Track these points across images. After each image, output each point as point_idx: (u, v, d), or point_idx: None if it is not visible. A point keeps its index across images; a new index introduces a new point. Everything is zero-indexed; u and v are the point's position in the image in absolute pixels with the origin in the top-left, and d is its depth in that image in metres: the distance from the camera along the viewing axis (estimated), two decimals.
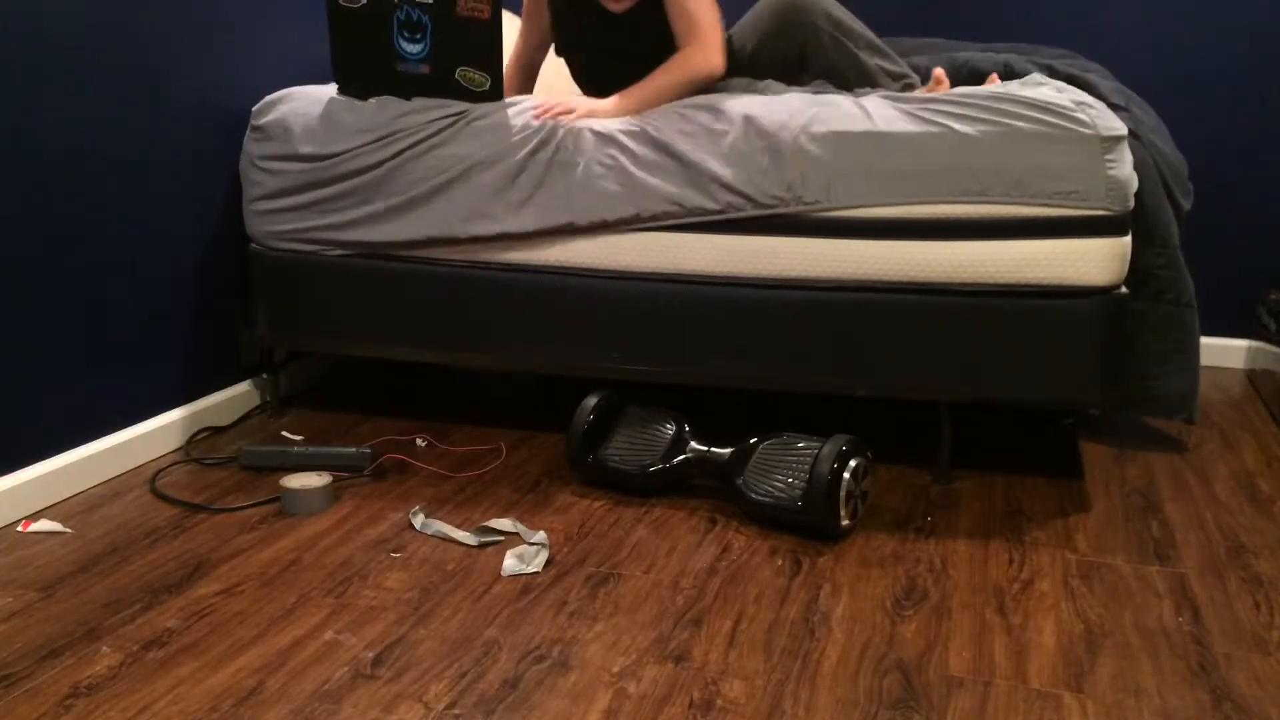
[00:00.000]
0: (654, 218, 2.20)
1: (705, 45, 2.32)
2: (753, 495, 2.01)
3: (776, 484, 1.99)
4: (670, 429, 2.18)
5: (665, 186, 2.18)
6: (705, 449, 2.13)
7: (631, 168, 2.19)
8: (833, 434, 2.01)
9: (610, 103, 2.32)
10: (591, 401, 2.22)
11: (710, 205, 2.17)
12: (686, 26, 2.35)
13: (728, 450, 2.10)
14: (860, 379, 2.18)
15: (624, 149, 2.21)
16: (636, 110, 2.30)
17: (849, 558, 1.92)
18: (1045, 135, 2.03)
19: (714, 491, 2.17)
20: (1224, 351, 3.13)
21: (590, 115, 2.29)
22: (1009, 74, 2.43)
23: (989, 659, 1.61)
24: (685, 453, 2.13)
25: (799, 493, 1.95)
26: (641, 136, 2.21)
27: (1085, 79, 2.33)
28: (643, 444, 2.17)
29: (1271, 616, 1.74)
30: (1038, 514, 2.11)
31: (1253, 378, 3.00)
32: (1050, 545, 1.98)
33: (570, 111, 2.29)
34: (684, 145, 2.17)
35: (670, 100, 2.30)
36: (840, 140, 2.10)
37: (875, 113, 2.13)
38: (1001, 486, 2.23)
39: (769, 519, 2.02)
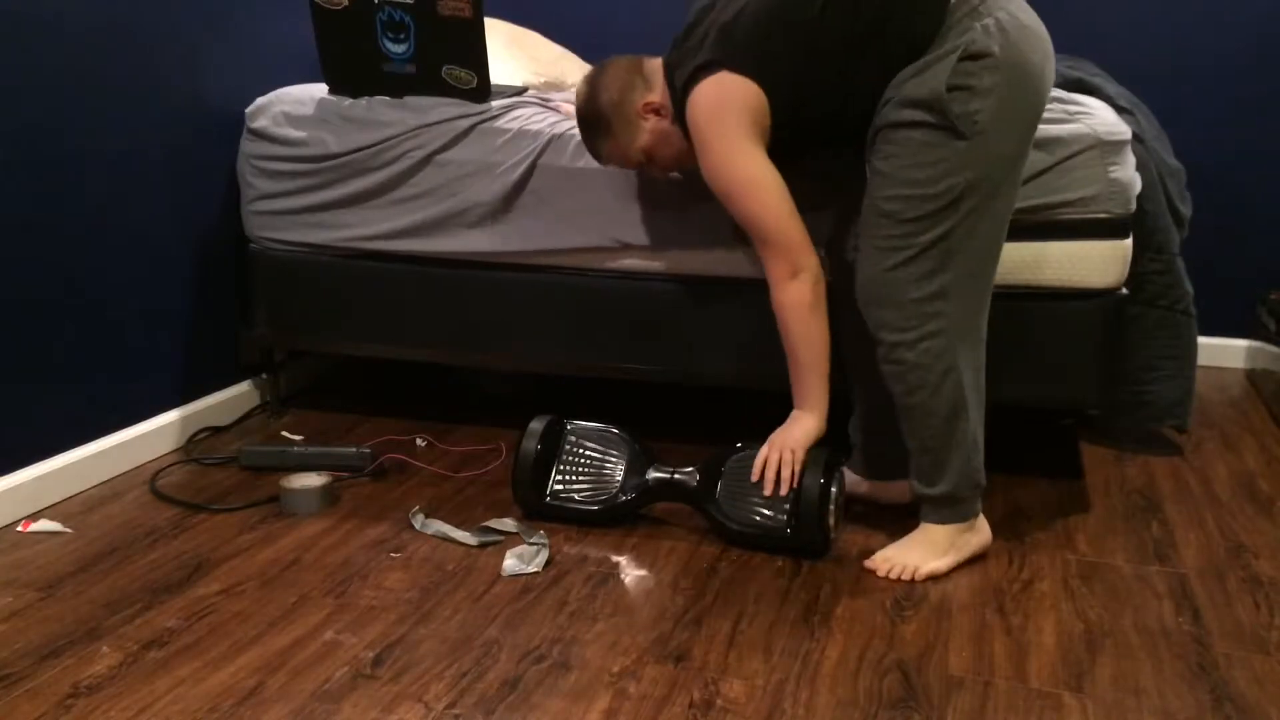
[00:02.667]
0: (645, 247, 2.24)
1: (773, 268, 1.85)
2: (734, 526, 1.93)
3: (757, 509, 1.91)
4: (622, 452, 2.06)
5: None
6: (668, 473, 2.01)
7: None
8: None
9: (804, 425, 1.91)
10: (531, 445, 2.02)
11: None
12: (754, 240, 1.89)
13: (691, 470, 2.00)
14: (863, 379, 2.18)
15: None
16: (821, 400, 1.90)
17: (849, 558, 1.92)
18: (1045, 151, 2.01)
19: None
20: (1224, 351, 3.13)
21: (795, 449, 1.90)
22: None
23: (989, 659, 1.61)
24: (646, 479, 2.01)
25: (786, 518, 1.89)
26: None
27: (1093, 83, 2.34)
28: (596, 475, 2.05)
29: (1271, 616, 1.74)
30: (1038, 514, 2.11)
31: (1253, 378, 3.00)
32: (1050, 545, 1.98)
33: (795, 466, 1.91)
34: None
35: (818, 342, 1.86)
36: None
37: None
38: (1001, 486, 2.23)
39: (754, 546, 1.95)
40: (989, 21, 1.72)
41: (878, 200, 1.78)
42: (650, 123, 1.96)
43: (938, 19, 1.73)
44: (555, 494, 2.04)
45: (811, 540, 1.89)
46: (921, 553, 1.87)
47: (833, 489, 1.90)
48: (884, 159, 1.77)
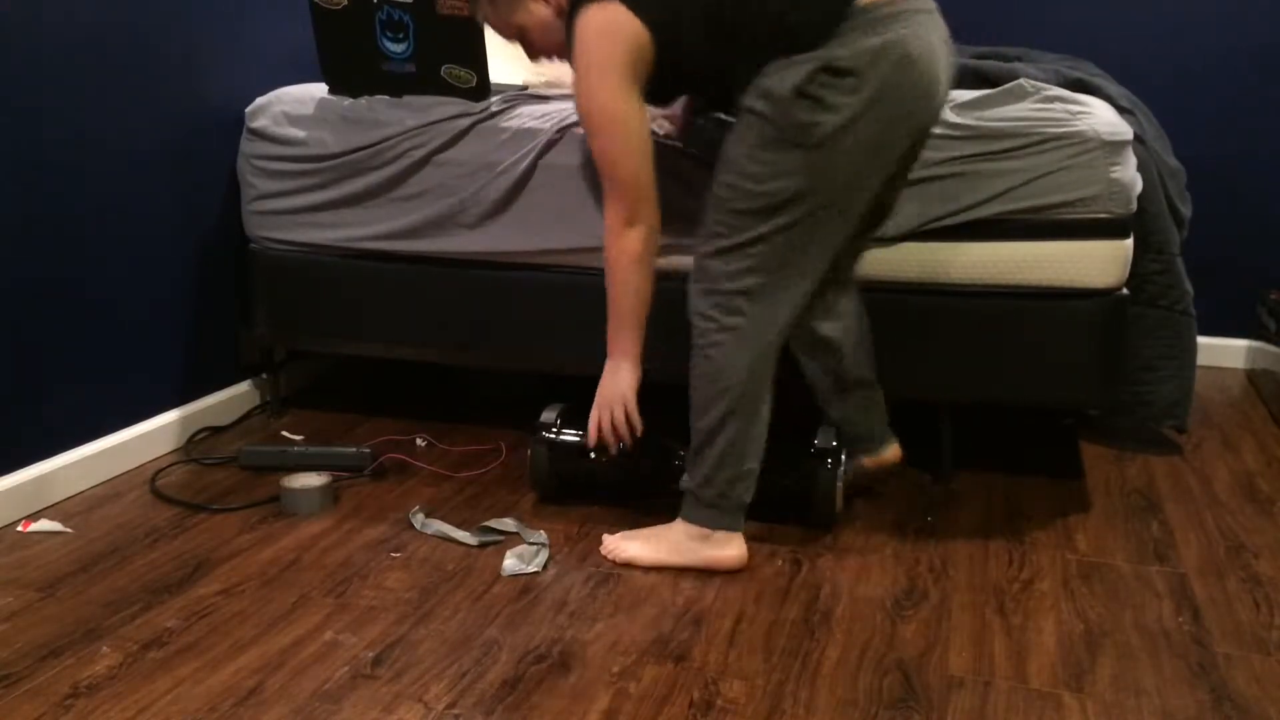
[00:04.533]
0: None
1: (611, 212, 1.83)
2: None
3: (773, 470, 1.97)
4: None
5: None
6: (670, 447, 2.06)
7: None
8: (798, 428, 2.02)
9: (624, 376, 1.93)
10: (543, 451, 2.07)
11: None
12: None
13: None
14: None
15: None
16: (634, 348, 1.91)
17: (849, 558, 1.92)
18: (1047, 153, 2.01)
19: None
20: (1224, 351, 3.13)
21: (624, 399, 1.93)
22: (1015, 80, 2.42)
23: (989, 659, 1.61)
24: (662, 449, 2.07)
25: (798, 480, 1.96)
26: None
27: (1093, 83, 2.34)
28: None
29: (1271, 616, 1.74)
30: (1038, 514, 2.11)
31: (1253, 378, 3.00)
32: (1050, 545, 1.98)
33: (631, 417, 1.94)
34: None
35: (639, 293, 1.87)
36: None
37: None
38: (1001, 486, 2.23)
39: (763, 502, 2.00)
40: (875, 42, 1.66)
41: (714, 182, 1.80)
42: (535, 5, 1.86)
43: (827, 23, 1.68)
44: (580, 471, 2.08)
45: (824, 506, 1.95)
46: (647, 541, 1.90)
47: (842, 461, 1.97)
48: (732, 142, 1.78)
